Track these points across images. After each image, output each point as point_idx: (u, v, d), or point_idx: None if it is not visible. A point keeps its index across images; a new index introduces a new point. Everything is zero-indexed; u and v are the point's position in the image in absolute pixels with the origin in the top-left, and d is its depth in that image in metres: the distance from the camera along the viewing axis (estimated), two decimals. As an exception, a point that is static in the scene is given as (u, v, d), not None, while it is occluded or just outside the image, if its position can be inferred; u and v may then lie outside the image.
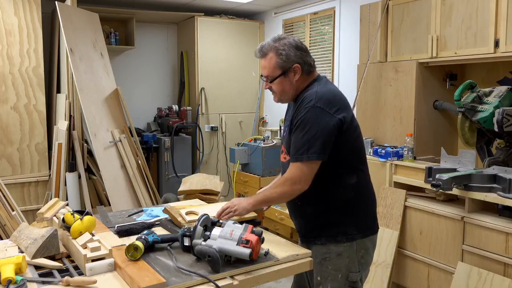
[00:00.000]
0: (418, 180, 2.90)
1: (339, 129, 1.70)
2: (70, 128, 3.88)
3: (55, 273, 1.49)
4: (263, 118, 5.54)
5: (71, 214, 1.68)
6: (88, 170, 4.08)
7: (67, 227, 1.64)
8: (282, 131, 1.95)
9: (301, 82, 1.82)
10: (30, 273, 1.47)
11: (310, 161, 1.68)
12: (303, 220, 1.88)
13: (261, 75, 1.88)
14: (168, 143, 4.83)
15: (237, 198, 1.85)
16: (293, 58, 1.77)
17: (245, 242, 1.50)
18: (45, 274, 1.49)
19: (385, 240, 3.05)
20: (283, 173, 1.86)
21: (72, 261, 1.59)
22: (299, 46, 1.80)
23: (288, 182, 1.72)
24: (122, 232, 1.82)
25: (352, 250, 1.78)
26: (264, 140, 4.61)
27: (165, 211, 2.03)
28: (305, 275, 1.95)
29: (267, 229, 1.96)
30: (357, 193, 1.81)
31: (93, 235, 1.58)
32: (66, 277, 1.39)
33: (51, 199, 3.50)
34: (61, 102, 4.07)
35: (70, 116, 3.92)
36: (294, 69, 1.78)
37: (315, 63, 1.90)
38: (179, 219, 1.89)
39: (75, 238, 1.58)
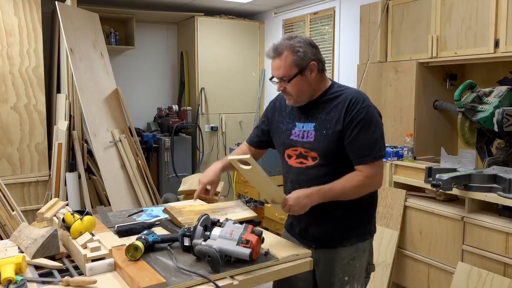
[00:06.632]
0: (418, 180, 2.90)
1: None
2: (70, 128, 3.88)
3: (55, 273, 1.49)
4: (263, 118, 5.53)
5: (71, 214, 1.68)
6: (88, 170, 4.09)
7: (67, 227, 1.64)
8: (293, 134, 1.83)
9: (317, 81, 1.73)
10: (30, 273, 1.47)
11: (382, 159, 1.71)
12: (330, 225, 1.79)
13: (272, 77, 1.76)
14: (168, 143, 4.83)
15: (296, 197, 1.64)
16: (310, 55, 1.69)
17: (245, 242, 1.49)
18: (45, 274, 1.49)
19: (385, 240, 3.04)
20: (298, 180, 1.77)
21: (72, 261, 1.59)
22: (312, 44, 1.73)
23: (368, 180, 1.68)
24: (122, 232, 1.82)
25: (370, 244, 1.85)
26: (264, 140, 4.60)
27: (165, 211, 2.02)
28: (312, 277, 1.86)
29: (267, 229, 1.96)
30: (376, 191, 1.84)
31: (93, 235, 1.58)
32: (66, 277, 1.39)
33: (51, 199, 3.50)
34: (61, 102, 4.08)
35: (70, 116, 3.92)
36: (311, 67, 1.70)
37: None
38: (179, 219, 1.89)
39: (75, 238, 1.57)
